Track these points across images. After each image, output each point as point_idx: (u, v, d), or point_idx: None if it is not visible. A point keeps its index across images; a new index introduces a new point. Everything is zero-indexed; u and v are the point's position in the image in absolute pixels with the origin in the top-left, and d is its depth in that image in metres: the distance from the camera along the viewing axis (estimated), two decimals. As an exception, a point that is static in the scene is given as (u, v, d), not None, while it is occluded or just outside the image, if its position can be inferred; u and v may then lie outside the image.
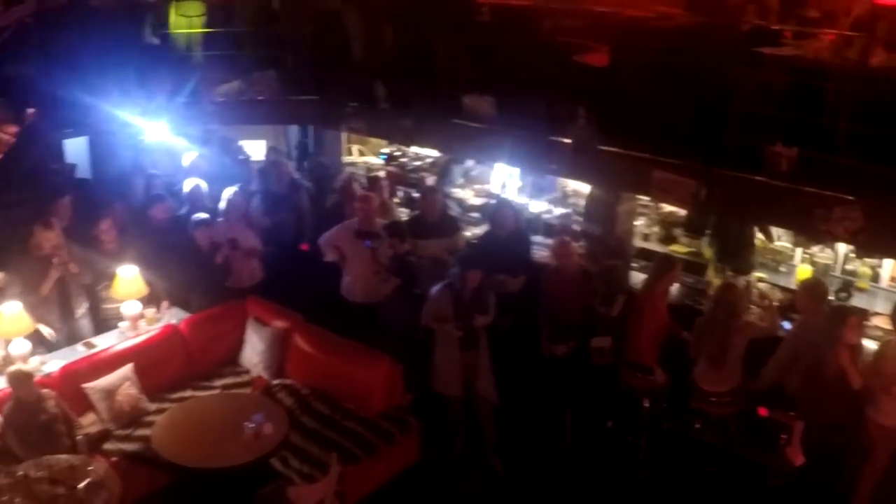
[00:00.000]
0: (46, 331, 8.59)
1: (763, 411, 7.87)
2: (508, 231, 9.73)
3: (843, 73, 7.85)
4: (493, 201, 11.16)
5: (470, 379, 8.38)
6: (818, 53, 8.49)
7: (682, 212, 9.74)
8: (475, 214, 11.44)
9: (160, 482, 7.68)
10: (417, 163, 12.81)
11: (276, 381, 8.67)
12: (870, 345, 7.98)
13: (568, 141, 9.02)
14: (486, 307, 8.30)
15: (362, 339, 8.64)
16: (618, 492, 8.30)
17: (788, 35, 8.90)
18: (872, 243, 7.68)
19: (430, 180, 12.09)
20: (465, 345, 8.27)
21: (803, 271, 9.14)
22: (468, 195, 11.92)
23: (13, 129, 11.32)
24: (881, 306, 8.56)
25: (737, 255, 9.00)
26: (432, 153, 12.49)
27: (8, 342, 8.17)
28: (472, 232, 10.98)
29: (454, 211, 11.19)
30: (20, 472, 6.82)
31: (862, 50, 8.15)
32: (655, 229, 10.19)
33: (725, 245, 9.02)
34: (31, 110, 11.20)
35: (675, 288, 9.08)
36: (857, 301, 8.73)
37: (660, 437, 8.49)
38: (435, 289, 8.37)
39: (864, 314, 8.31)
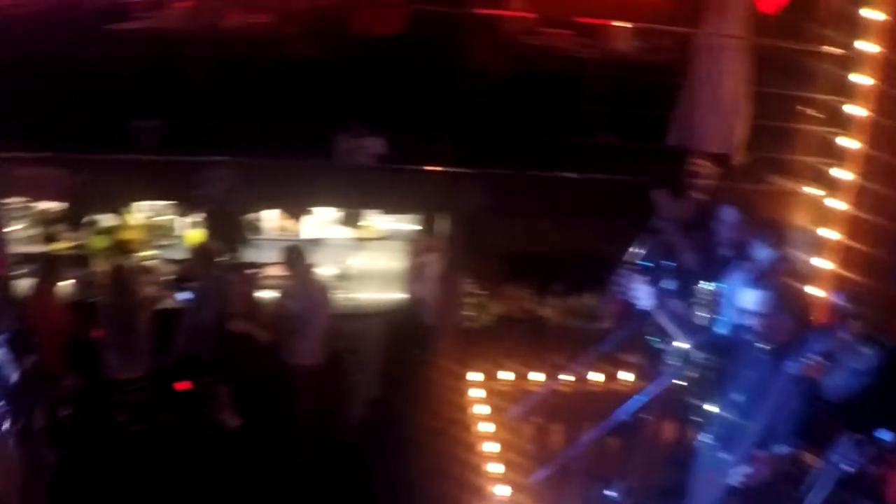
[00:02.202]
0: None
1: (184, 385, 8.80)
2: None
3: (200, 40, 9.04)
4: None
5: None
6: (174, 22, 9.53)
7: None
8: None
9: None
10: None
11: None
12: (269, 294, 9.40)
13: None
14: None
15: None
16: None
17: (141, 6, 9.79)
18: (253, 197, 9.15)
19: None
20: None
21: (192, 237, 9.99)
22: None
23: None
24: (269, 256, 9.82)
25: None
26: None
27: None
28: None
29: None
30: None
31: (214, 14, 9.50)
32: (35, 230, 10.27)
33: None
34: None
35: (68, 285, 9.59)
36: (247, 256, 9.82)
37: (91, 440, 8.87)
38: None
39: (254, 267, 9.68)
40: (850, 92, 8.78)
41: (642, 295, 6.28)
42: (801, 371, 5.22)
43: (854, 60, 8.75)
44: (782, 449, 5.44)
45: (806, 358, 5.28)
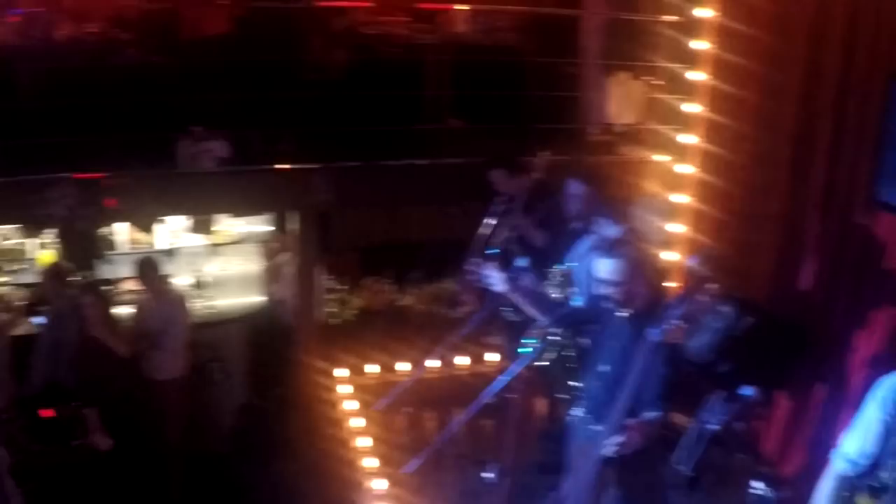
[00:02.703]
0: None
1: (49, 412, 8.30)
2: None
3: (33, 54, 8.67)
4: None
5: None
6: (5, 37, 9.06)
7: None
8: None
9: None
10: None
11: None
12: (127, 310, 9.08)
13: None
14: None
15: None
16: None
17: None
18: (101, 212, 8.59)
19: None
20: None
21: (44, 258, 9.62)
22: None
23: None
24: (123, 271, 9.54)
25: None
26: None
27: None
28: None
29: None
30: None
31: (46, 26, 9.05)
32: None
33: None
34: None
35: None
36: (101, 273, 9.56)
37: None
38: None
39: (109, 284, 9.39)
40: (691, 58, 8.82)
41: (494, 277, 6.19)
42: (663, 336, 5.14)
43: (693, 27, 8.82)
44: (652, 415, 5.36)
45: (666, 323, 5.20)
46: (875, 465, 4.80)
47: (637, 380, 5.13)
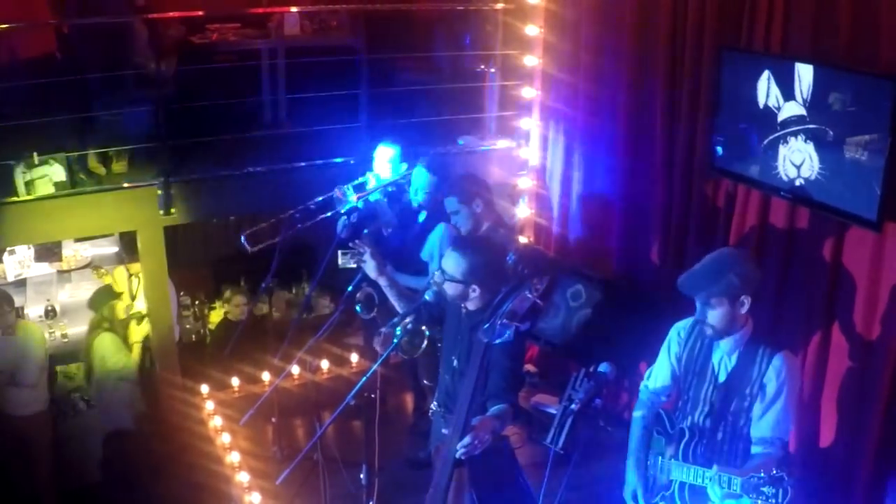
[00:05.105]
0: None
1: None
2: None
3: None
4: None
5: None
6: None
7: None
8: None
9: None
10: None
11: None
12: None
13: None
14: None
15: None
16: None
17: None
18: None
19: None
20: None
21: None
22: None
23: None
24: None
25: None
26: None
27: None
28: None
29: None
30: None
31: None
32: None
33: None
34: None
35: None
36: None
37: None
38: None
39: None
40: (525, 43, 8.78)
41: (368, 259, 5.95)
42: (492, 335, 4.88)
43: (526, 12, 8.73)
44: (497, 408, 5.11)
45: (493, 321, 4.93)
46: (673, 410, 5.13)
47: (475, 376, 4.89)
